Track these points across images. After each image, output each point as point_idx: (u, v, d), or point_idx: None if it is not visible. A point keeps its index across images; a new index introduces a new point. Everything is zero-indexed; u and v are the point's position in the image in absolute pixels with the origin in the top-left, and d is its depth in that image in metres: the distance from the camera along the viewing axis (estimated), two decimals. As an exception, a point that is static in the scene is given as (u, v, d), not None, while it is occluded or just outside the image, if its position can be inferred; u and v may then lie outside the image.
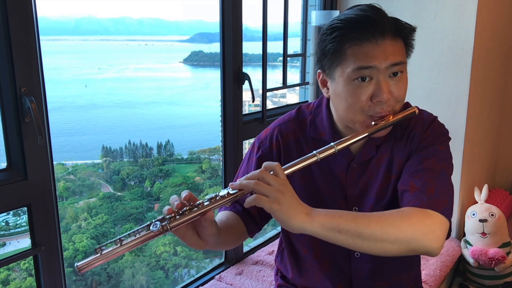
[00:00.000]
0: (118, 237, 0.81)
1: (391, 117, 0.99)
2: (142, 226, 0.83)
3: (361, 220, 0.87)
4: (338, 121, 1.09)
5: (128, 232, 0.82)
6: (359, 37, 0.94)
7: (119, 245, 0.80)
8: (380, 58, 0.94)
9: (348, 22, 0.96)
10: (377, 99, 0.96)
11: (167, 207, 0.85)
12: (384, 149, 1.07)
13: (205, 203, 0.86)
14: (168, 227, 0.82)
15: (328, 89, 1.05)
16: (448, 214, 0.96)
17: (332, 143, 0.94)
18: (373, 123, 0.98)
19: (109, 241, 0.81)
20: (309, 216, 0.85)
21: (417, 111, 1.03)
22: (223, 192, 0.87)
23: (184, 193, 0.86)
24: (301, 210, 0.86)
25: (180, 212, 0.84)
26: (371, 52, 0.94)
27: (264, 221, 1.15)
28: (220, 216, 1.09)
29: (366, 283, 1.15)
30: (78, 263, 0.78)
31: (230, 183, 0.88)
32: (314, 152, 0.92)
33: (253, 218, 1.11)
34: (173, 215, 0.84)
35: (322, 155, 0.92)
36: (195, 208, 0.85)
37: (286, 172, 0.89)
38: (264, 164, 0.88)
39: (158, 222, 0.82)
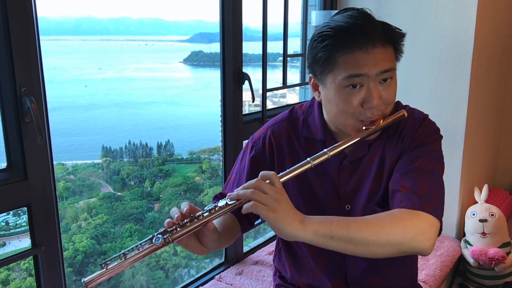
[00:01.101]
0: (122, 251, 0.85)
1: (381, 121, 1.01)
2: (145, 240, 0.86)
3: (352, 226, 0.90)
4: (330, 121, 1.11)
5: (132, 246, 0.85)
6: (350, 45, 0.96)
7: (123, 259, 0.84)
8: (370, 66, 0.96)
9: (338, 30, 0.97)
10: (368, 105, 0.98)
11: (168, 220, 0.88)
12: (376, 147, 1.09)
13: (205, 214, 0.89)
14: (170, 239, 0.85)
15: (319, 93, 1.07)
16: (439, 215, 0.98)
17: (325, 150, 0.97)
18: (364, 127, 1.01)
19: (114, 256, 0.85)
20: (302, 224, 0.88)
21: (406, 115, 1.05)
22: (222, 203, 0.90)
23: (185, 207, 0.89)
24: (295, 218, 0.88)
25: (181, 224, 0.87)
26: (362, 60, 0.96)
27: (256, 217, 1.16)
28: None
29: (362, 279, 1.16)
30: (85, 279, 0.82)
31: (228, 194, 0.91)
32: (308, 159, 0.95)
33: (246, 215, 1.12)
34: (174, 227, 0.87)
35: (315, 162, 0.95)
36: (196, 220, 0.88)
37: (281, 180, 0.92)
38: (261, 173, 0.91)
39: (160, 236, 0.85)
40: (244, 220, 1.13)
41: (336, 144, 0.99)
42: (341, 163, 1.10)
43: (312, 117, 1.14)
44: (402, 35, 1.01)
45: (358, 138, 1.00)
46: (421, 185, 0.98)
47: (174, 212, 0.89)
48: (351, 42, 0.95)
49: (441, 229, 1.01)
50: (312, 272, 1.19)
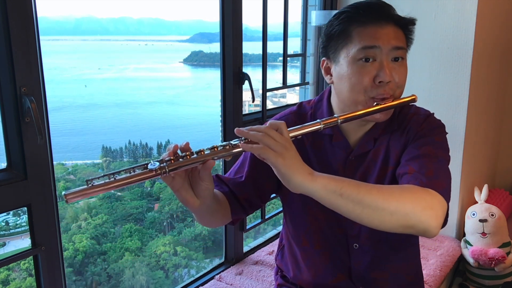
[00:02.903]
0: (112, 171, 0.78)
1: (392, 100, 1.02)
2: (139, 165, 0.80)
3: (363, 187, 0.88)
4: (339, 112, 1.10)
5: (124, 168, 0.79)
6: (365, 19, 1.00)
7: (112, 179, 0.78)
8: (384, 39, 0.99)
9: (355, 7, 1.03)
10: (380, 80, 0.99)
11: (166, 152, 0.83)
12: (381, 142, 1.10)
13: (206, 152, 0.84)
14: (167, 170, 0.80)
15: (331, 75, 1.08)
16: (446, 196, 0.96)
17: (335, 115, 0.96)
18: (374, 103, 1.01)
19: (102, 174, 0.78)
20: (312, 176, 0.86)
21: (416, 99, 1.07)
22: (223, 144, 0.86)
23: (185, 142, 0.85)
24: (304, 168, 0.86)
25: (180, 156, 0.82)
26: (376, 34, 1.00)
27: (251, 209, 1.15)
28: None
29: (366, 274, 1.16)
30: (66, 192, 0.75)
31: (237, 129, 0.87)
32: (318, 120, 0.94)
33: (239, 201, 1.12)
34: (172, 158, 0.82)
35: (325, 123, 0.94)
36: (195, 155, 0.83)
37: (290, 134, 0.90)
38: (270, 121, 0.89)
39: (157, 162, 0.80)
40: (236, 205, 1.11)
41: (346, 113, 0.98)
42: (346, 157, 1.11)
43: (321, 112, 1.14)
44: (413, 22, 1.05)
45: (369, 110, 1.00)
46: (428, 168, 0.98)
47: (172, 145, 0.84)
48: (366, 16, 1.00)
49: (447, 218, 0.98)
50: (316, 267, 1.19)
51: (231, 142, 0.86)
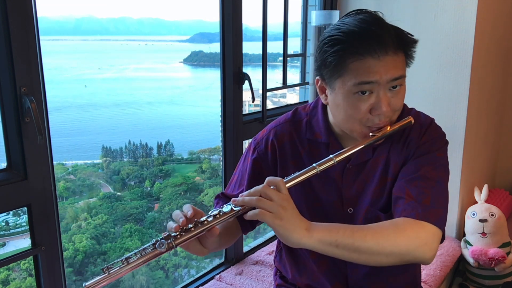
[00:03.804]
0: (125, 256, 0.85)
1: (389, 127, 1.01)
2: (148, 245, 0.86)
3: (358, 235, 0.91)
4: (335, 124, 1.09)
5: (134, 251, 0.86)
6: (361, 51, 0.93)
7: (125, 264, 0.84)
8: (381, 73, 0.94)
9: (350, 35, 0.94)
10: (376, 112, 0.97)
11: (172, 225, 0.88)
12: (380, 152, 1.08)
13: (209, 219, 0.89)
14: (174, 244, 0.86)
15: (326, 96, 1.05)
16: (442, 224, 0.99)
17: (331, 156, 0.97)
18: (370, 134, 1.00)
19: (116, 260, 0.85)
20: (308, 232, 0.89)
21: (413, 121, 1.04)
22: (227, 208, 0.90)
23: (189, 210, 0.89)
24: (301, 225, 0.89)
25: (185, 229, 0.87)
26: (373, 68, 0.94)
27: (257, 222, 1.15)
28: None
29: (363, 282, 1.16)
30: (87, 283, 0.82)
31: (233, 199, 0.91)
32: (314, 165, 0.95)
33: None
34: (178, 233, 0.87)
35: (321, 167, 0.95)
36: (199, 225, 0.88)
37: (287, 185, 0.92)
38: (267, 179, 0.91)
39: (164, 241, 0.85)
40: (245, 222, 1.12)
41: (342, 151, 0.98)
42: (344, 166, 1.09)
43: (316, 119, 1.12)
44: (414, 42, 1.00)
45: (364, 145, 1.00)
46: (426, 194, 0.98)
47: (178, 216, 0.89)
48: (363, 48, 0.93)
49: (443, 237, 1.01)
50: (313, 273, 1.19)
51: (233, 207, 0.90)
